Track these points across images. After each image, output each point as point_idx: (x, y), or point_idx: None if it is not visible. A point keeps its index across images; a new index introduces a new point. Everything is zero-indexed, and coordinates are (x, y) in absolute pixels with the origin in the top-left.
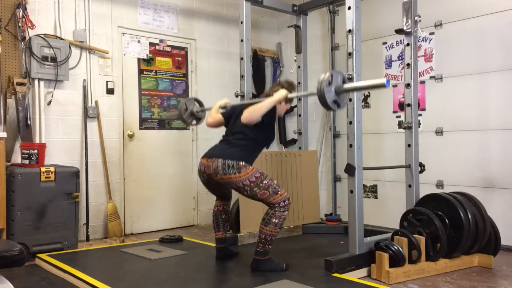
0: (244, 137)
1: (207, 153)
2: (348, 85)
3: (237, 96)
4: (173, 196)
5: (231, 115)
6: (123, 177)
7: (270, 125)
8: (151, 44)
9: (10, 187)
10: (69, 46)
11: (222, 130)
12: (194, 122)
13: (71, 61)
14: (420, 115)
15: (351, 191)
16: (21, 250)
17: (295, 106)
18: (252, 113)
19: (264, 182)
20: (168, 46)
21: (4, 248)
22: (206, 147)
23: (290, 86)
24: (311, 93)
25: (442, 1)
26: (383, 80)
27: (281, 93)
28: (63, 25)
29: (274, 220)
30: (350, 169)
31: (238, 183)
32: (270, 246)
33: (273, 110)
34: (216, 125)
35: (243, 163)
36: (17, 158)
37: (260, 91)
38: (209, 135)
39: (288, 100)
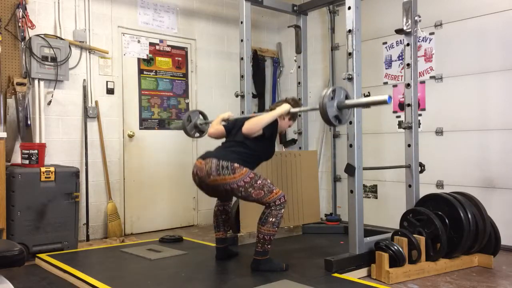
0: (243, 146)
1: (202, 155)
2: (350, 101)
3: (237, 96)
4: (173, 196)
5: (232, 127)
6: (123, 177)
7: (271, 138)
8: (151, 44)
9: (10, 187)
10: (69, 46)
11: None
12: (197, 134)
13: (71, 61)
14: (420, 115)
15: (351, 191)
16: (21, 250)
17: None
18: (253, 124)
19: (258, 182)
20: (168, 46)
21: (4, 248)
22: (206, 147)
23: (294, 103)
24: (313, 108)
25: (442, 1)
26: (384, 97)
27: (284, 107)
28: (63, 25)
29: (271, 219)
30: (350, 169)
31: (232, 184)
32: (269, 246)
33: (274, 124)
34: (217, 136)
35: (237, 164)
36: (17, 158)
37: (260, 91)
38: None
39: (291, 116)
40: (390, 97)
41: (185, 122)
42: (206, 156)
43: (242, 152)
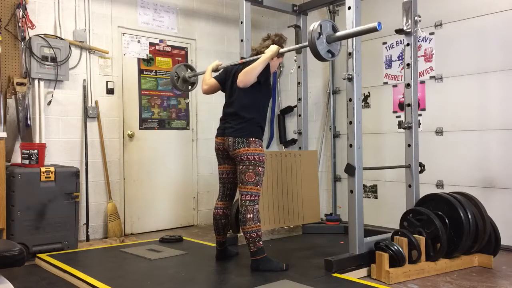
0: (246, 105)
1: (220, 132)
2: (339, 33)
3: None
4: (173, 196)
5: (225, 78)
6: (123, 177)
7: (266, 83)
8: (151, 44)
9: (10, 187)
10: (69, 46)
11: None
12: (189, 87)
13: (71, 61)
14: (420, 115)
15: (351, 191)
16: (21, 250)
17: (295, 106)
18: (248, 75)
19: (259, 169)
20: (168, 46)
21: (4, 248)
22: (206, 147)
23: (280, 39)
24: (303, 46)
25: (442, 1)
26: (374, 24)
27: (272, 49)
28: (63, 25)
29: (249, 216)
30: (350, 169)
31: (243, 155)
32: (260, 242)
33: (267, 68)
34: (212, 91)
35: (253, 138)
36: (17, 158)
37: None
38: (209, 135)
39: (280, 54)
40: (379, 24)
41: (173, 78)
42: (223, 133)
43: (249, 115)
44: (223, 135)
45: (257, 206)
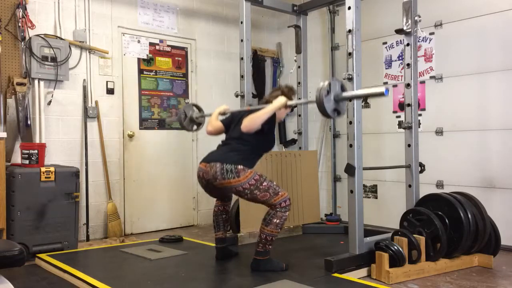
0: (243, 143)
1: (205, 158)
2: (347, 93)
3: (237, 96)
4: (173, 196)
5: (230, 122)
6: (123, 177)
7: (270, 132)
8: (151, 44)
9: (10, 187)
10: (69, 46)
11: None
12: (194, 127)
13: (71, 61)
14: (420, 115)
15: (351, 191)
16: (21, 250)
17: (295, 106)
18: (252, 122)
19: (264, 184)
20: (168, 46)
21: (4, 248)
22: (206, 147)
23: (290, 92)
24: (310, 101)
25: (442, 1)
26: (382, 89)
27: (281, 100)
28: (63, 25)
29: (275, 221)
30: (350, 169)
31: (237, 187)
32: (270, 246)
33: (272, 117)
34: (216, 133)
35: (242, 166)
36: (17, 158)
37: (260, 91)
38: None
39: (287, 105)
40: (387, 89)
41: (181, 117)
42: (210, 159)
43: (244, 150)
44: (208, 161)
45: (287, 213)
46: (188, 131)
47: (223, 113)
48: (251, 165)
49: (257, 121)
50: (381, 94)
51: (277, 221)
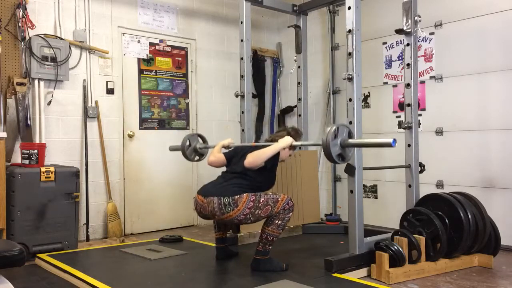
0: (244, 177)
1: (202, 190)
2: (353, 141)
3: (237, 96)
4: (173, 196)
5: (233, 156)
6: (123, 177)
7: (272, 170)
8: (151, 44)
9: (10, 187)
10: (69, 46)
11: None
12: (196, 158)
13: (71, 61)
14: (420, 115)
15: (351, 191)
16: (21, 250)
17: (295, 106)
18: (256, 158)
19: (261, 201)
20: (168, 46)
21: (4, 248)
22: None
23: (296, 134)
24: (316, 144)
25: (442, 1)
26: (389, 140)
27: (287, 140)
28: (63, 25)
29: (277, 222)
30: (350, 169)
31: (238, 216)
32: (271, 247)
33: (276, 156)
34: (217, 164)
35: (238, 195)
36: (17, 158)
37: (260, 91)
38: (209, 135)
39: (292, 147)
40: (394, 140)
41: (184, 145)
42: (207, 194)
43: (243, 184)
44: (205, 196)
45: (290, 214)
46: (188, 160)
47: (226, 147)
48: (248, 192)
49: (262, 157)
50: (388, 145)
51: (279, 222)
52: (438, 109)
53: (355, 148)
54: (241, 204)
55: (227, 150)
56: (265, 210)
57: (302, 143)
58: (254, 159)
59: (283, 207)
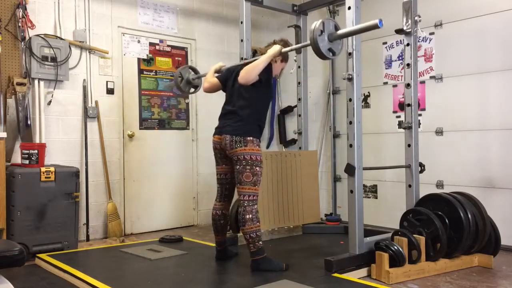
0: (246, 103)
1: (217, 130)
2: (341, 31)
3: None
4: (173, 196)
5: (227, 78)
6: (123, 177)
7: (268, 83)
8: (151, 44)
9: (10, 187)
10: (69, 46)
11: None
12: (191, 90)
13: (71, 61)
14: (420, 115)
15: (351, 191)
16: (21, 250)
17: (295, 106)
18: (249, 72)
19: (257, 169)
20: (168, 46)
21: (4, 248)
22: (206, 147)
23: (284, 43)
24: (304, 45)
25: (442, 1)
26: (375, 21)
27: (275, 48)
28: (63, 25)
29: (248, 216)
30: (350, 169)
31: (240, 155)
32: (260, 243)
33: (268, 68)
34: (213, 89)
35: (250, 138)
36: (17, 158)
37: None
38: (209, 135)
39: (283, 58)
40: (380, 21)
41: (177, 79)
42: (221, 131)
43: (248, 114)
44: (220, 134)
45: (255, 206)
46: (184, 93)
47: (218, 70)
48: (258, 133)
49: (254, 71)
50: (375, 26)
51: (249, 216)
52: (438, 109)
53: (355, 148)
54: (250, 148)
55: (219, 74)
56: (248, 175)
57: (290, 48)
58: (247, 73)
59: (249, 194)
